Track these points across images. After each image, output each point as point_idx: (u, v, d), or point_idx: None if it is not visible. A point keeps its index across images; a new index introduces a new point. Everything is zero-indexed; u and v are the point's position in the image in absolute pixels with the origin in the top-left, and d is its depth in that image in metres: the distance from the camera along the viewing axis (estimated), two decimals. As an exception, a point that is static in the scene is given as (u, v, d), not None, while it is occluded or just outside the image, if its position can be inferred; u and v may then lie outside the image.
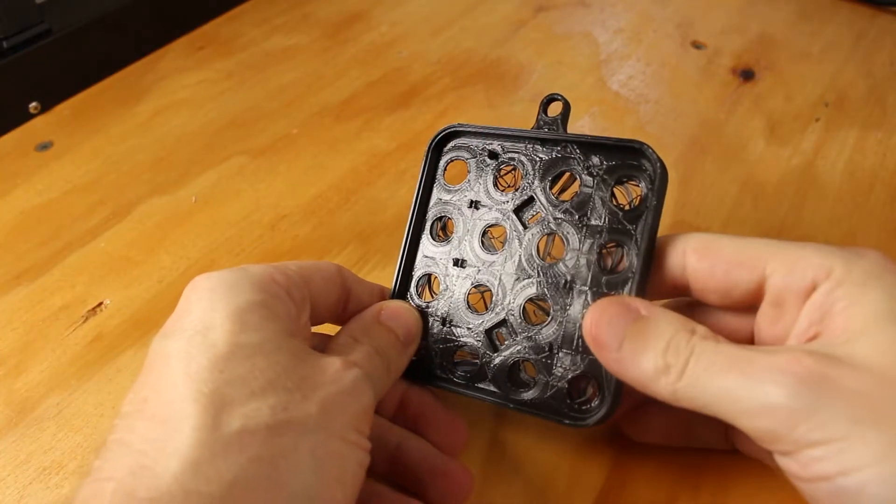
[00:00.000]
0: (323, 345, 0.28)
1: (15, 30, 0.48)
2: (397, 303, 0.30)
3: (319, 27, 0.59)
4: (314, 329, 0.29)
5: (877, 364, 0.21)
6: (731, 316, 0.27)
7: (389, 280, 0.32)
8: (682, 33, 0.57)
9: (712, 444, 0.30)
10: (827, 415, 0.20)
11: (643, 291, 0.27)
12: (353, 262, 0.40)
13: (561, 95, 0.31)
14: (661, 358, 0.23)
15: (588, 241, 0.29)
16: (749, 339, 0.27)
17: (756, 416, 0.22)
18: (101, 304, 0.38)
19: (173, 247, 0.41)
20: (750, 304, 0.26)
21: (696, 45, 0.56)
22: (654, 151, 0.28)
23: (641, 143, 0.28)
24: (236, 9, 0.62)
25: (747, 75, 0.53)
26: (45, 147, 0.48)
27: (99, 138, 0.49)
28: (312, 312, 0.28)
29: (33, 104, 0.50)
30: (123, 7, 0.54)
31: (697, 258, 0.26)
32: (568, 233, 0.29)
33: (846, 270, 0.23)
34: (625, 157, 0.29)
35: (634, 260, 0.27)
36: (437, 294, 0.31)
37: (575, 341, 0.28)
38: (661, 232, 0.28)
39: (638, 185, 0.28)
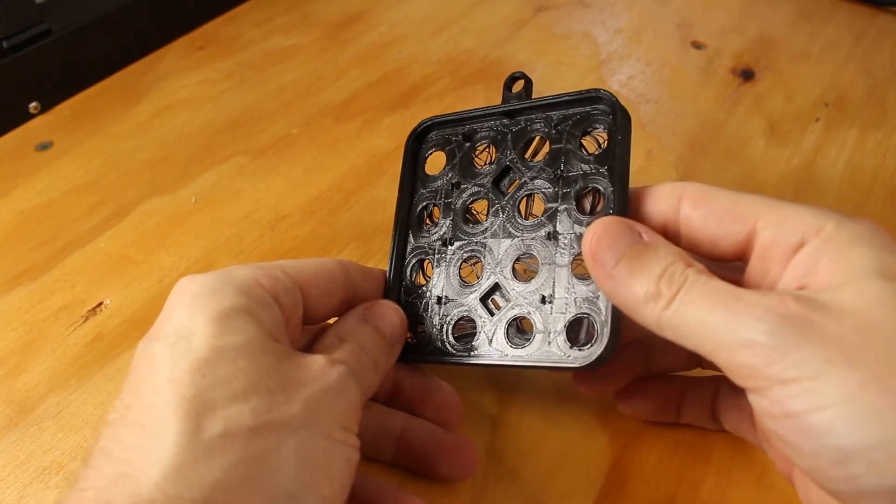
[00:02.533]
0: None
1: (15, 30, 0.48)
2: (382, 302, 0.30)
3: (319, 27, 0.59)
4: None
5: (857, 311, 0.21)
6: (719, 267, 0.27)
7: (389, 279, 0.32)
8: (682, 33, 0.57)
9: (699, 422, 0.31)
10: (802, 354, 0.21)
11: None
12: (353, 262, 0.40)
13: (522, 73, 0.32)
14: (654, 284, 0.23)
15: (564, 190, 0.30)
16: None
17: (735, 350, 0.22)
18: (101, 304, 0.38)
19: (173, 247, 0.41)
20: (737, 258, 0.26)
21: (696, 45, 0.56)
22: (608, 93, 0.29)
23: (597, 90, 0.29)
24: (236, 9, 0.62)
25: (747, 75, 0.53)
26: (45, 147, 0.48)
27: (99, 138, 0.49)
28: (313, 312, 0.28)
29: (33, 104, 0.50)
30: (123, 7, 0.54)
31: (692, 205, 0.26)
32: (544, 188, 0.30)
33: (835, 230, 0.23)
34: (585, 108, 0.30)
35: (611, 196, 0.28)
36: (430, 277, 0.32)
37: (567, 287, 0.28)
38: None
39: (603, 132, 0.30)
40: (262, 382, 0.23)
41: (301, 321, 0.27)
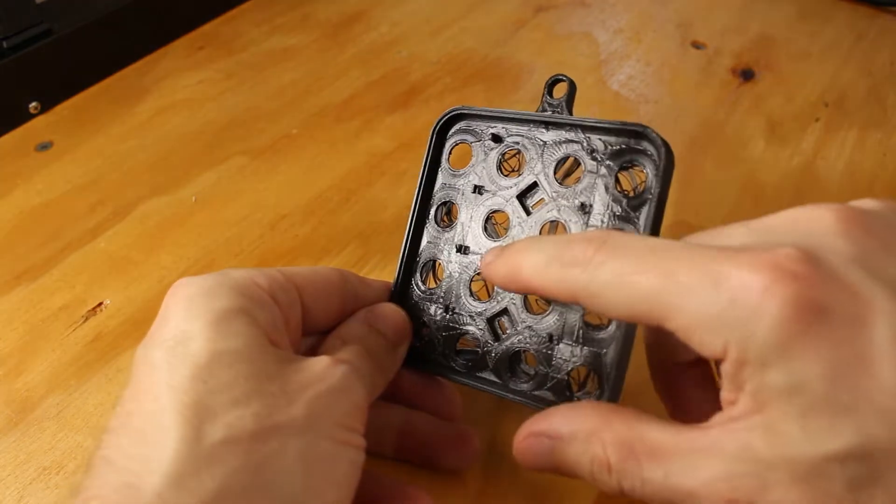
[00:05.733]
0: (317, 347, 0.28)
1: (15, 30, 0.48)
2: (384, 305, 0.30)
3: (319, 27, 0.59)
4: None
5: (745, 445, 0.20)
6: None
7: (392, 275, 0.32)
8: (682, 33, 0.57)
9: None
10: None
11: None
12: (353, 263, 0.40)
13: (566, 76, 0.30)
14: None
15: (591, 228, 0.28)
16: None
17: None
18: (101, 304, 0.38)
19: (173, 247, 0.41)
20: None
21: (696, 45, 0.56)
22: (657, 134, 0.27)
23: (644, 127, 0.27)
24: (236, 9, 0.62)
25: (747, 75, 0.53)
26: (45, 147, 0.48)
27: (99, 138, 0.49)
28: (312, 320, 0.28)
29: (33, 104, 0.50)
30: (123, 7, 0.54)
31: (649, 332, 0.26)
32: (571, 220, 0.29)
33: (741, 349, 0.20)
34: (629, 141, 0.28)
35: None
36: (440, 280, 0.31)
37: (575, 333, 0.28)
38: (660, 233, 0.28)
39: (643, 171, 0.28)
40: (263, 386, 0.23)
41: (300, 324, 0.27)
